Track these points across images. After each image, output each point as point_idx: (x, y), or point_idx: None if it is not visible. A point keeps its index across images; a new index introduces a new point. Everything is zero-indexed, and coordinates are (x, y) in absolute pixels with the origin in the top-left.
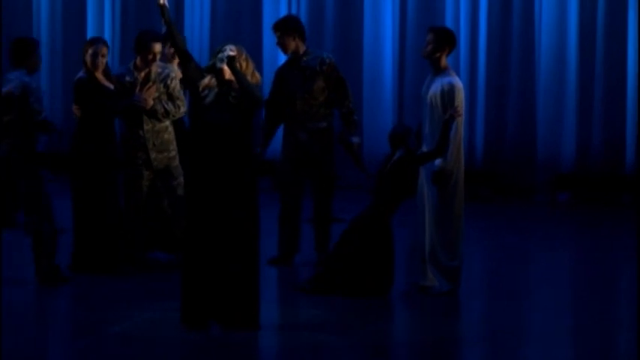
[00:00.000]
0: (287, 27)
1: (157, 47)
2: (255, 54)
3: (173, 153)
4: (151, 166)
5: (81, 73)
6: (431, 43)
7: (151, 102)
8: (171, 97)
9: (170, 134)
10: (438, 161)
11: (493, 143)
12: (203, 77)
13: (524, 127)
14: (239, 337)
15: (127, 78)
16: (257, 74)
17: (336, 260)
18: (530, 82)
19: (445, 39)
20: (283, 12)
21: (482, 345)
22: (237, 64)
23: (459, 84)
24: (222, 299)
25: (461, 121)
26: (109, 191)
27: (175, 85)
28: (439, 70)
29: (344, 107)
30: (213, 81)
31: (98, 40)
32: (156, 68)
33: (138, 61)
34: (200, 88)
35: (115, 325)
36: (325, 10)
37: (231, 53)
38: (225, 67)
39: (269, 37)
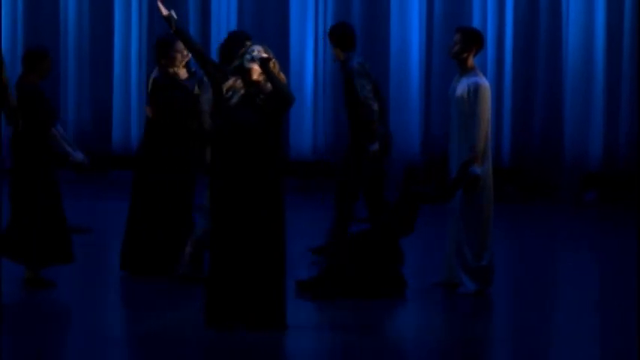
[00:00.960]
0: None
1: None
2: (282, 56)
3: None
4: None
5: (155, 73)
6: (458, 44)
7: None
8: None
9: None
10: (474, 169)
11: (520, 142)
12: (226, 79)
13: (551, 126)
14: (265, 337)
15: None
16: (282, 75)
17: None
18: (557, 80)
19: (472, 39)
20: (310, 13)
21: (509, 345)
22: (271, 64)
23: (486, 83)
24: (249, 300)
25: (488, 122)
26: (178, 193)
27: None
28: (466, 71)
29: None
30: (239, 82)
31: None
32: None
33: None
34: (224, 90)
35: (141, 324)
36: (352, 11)
37: (264, 55)
38: (254, 68)
39: (296, 38)
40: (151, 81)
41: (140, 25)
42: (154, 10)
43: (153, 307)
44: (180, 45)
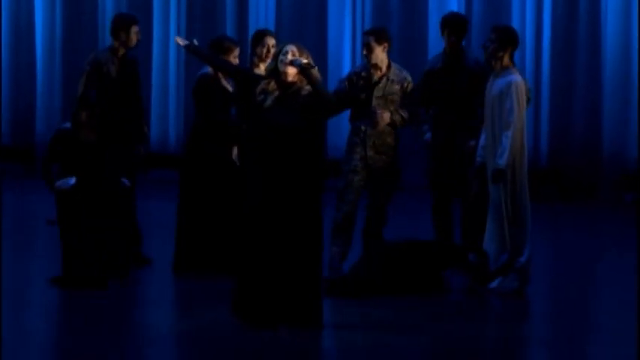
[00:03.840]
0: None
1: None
2: (319, 57)
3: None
4: (367, 165)
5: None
6: (493, 43)
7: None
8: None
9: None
10: (497, 161)
11: (558, 142)
12: (258, 82)
13: (590, 126)
14: (303, 336)
15: (363, 74)
16: (316, 72)
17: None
18: (596, 80)
19: (508, 38)
20: (348, 13)
21: (549, 345)
22: (312, 69)
23: (522, 80)
24: (286, 299)
25: (523, 120)
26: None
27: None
28: (501, 70)
29: None
30: (272, 84)
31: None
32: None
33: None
34: (257, 92)
35: (178, 324)
36: (390, 9)
37: (304, 61)
38: (290, 70)
39: (334, 39)
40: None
41: (178, 25)
42: (192, 9)
43: (197, 305)
44: (267, 40)
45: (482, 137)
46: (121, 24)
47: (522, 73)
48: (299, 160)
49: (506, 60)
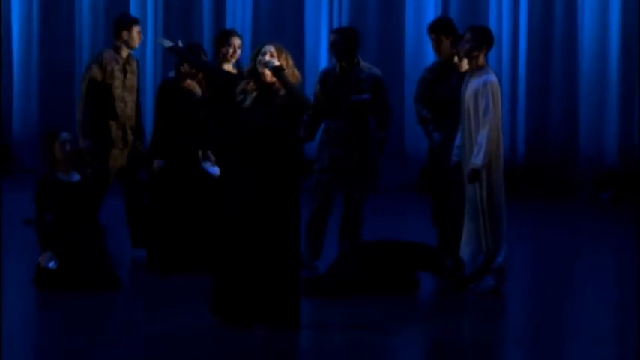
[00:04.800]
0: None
1: None
2: (297, 54)
3: None
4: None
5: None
6: (469, 42)
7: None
8: None
9: None
10: (473, 160)
11: (535, 141)
12: (239, 83)
13: (566, 125)
14: (280, 336)
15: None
16: (296, 72)
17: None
18: (572, 80)
19: (483, 38)
20: (325, 10)
21: (526, 344)
22: (284, 71)
23: (495, 78)
24: (264, 298)
25: (499, 119)
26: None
27: None
28: (476, 69)
29: None
30: (251, 84)
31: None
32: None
33: None
34: (237, 93)
35: (158, 324)
36: (367, 9)
37: (276, 63)
38: (267, 71)
39: (311, 37)
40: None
41: (155, 23)
42: (169, 11)
43: (175, 305)
44: (233, 41)
45: (458, 137)
46: (123, 24)
47: (499, 74)
48: (277, 160)
49: (481, 59)
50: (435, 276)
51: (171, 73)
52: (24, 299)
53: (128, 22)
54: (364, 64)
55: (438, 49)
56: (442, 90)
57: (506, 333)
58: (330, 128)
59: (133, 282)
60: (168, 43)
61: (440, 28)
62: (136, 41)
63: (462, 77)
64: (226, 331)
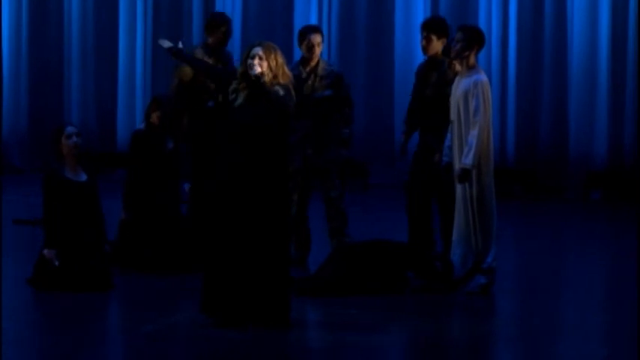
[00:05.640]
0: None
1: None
2: (286, 51)
3: None
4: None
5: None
6: (460, 42)
7: None
8: None
9: None
10: (464, 160)
11: (525, 141)
12: (230, 82)
13: (556, 126)
14: (271, 335)
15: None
16: (288, 72)
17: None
18: (562, 80)
19: (474, 38)
20: (314, 7)
21: (516, 343)
22: (265, 80)
23: (485, 78)
24: (254, 297)
25: (489, 119)
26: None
27: None
28: (467, 69)
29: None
30: (243, 84)
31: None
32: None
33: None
34: (230, 92)
35: (148, 324)
36: (356, 8)
37: (258, 71)
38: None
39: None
40: None
41: (145, 24)
42: (159, 8)
43: (166, 304)
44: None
45: (448, 137)
46: (215, 22)
47: (488, 74)
48: (266, 158)
49: (472, 60)
50: (424, 278)
51: (141, 125)
52: (17, 299)
53: (220, 20)
54: (323, 63)
55: (426, 46)
56: (427, 89)
57: (497, 332)
58: (297, 129)
59: (124, 282)
60: (167, 44)
61: (433, 26)
62: (227, 38)
63: (444, 75)
64: (217, 330)
